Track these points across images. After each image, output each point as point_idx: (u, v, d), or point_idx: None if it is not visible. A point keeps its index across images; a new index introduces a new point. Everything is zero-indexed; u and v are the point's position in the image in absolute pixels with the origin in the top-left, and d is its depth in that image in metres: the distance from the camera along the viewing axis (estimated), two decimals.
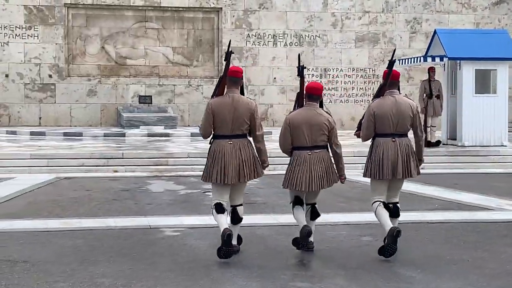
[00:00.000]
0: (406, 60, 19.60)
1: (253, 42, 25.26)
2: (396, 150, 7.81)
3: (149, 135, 21.14)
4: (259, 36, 25.29)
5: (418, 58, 18.65)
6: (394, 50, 9.26)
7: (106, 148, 17.27)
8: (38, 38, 24.22)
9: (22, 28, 24.12)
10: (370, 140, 8.01)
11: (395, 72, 7.90)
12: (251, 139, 7.87)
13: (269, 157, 14.76)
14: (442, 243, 8.46)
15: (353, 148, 16.56)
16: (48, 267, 7.12)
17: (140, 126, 22.58)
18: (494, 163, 16.75)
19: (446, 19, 26.24)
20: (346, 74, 25.85)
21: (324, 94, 24.80)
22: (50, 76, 24.29)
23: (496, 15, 26.62)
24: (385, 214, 7.81)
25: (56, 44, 24.32)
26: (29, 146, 17.77)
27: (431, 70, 17.83)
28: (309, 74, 25.09)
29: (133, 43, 25.04)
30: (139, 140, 19.92)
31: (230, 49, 7.95)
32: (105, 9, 24.81)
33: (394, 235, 7.53)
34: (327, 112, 7.92)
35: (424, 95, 17.80)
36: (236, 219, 7.77)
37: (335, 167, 7.90)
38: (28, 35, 24.15)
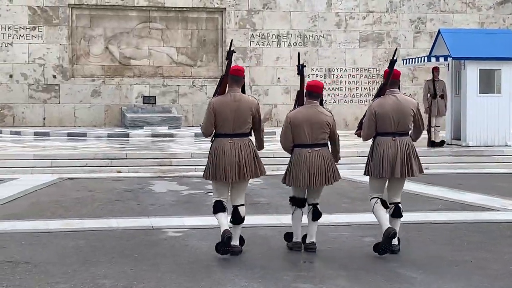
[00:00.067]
0: (410, 60, 19.56)
1: (257, 42, 25.24)
2: (396, 149, 7.83)
3: (153, 135, 21.14)
4: (263, 36, 25.26)
5: (422, 58, 18.61)
6: (396, 50, 9.30)
7: (109, 149, 17.26)
8: (42, 39, 24.23)
9: (26, 28, 24.13)
10: (371, 139, 8.02)
11: (396, 71, 7.91)
12: (252, 138, 7.87)
13: (273, 157, 14.93)
14: (445, 243, 8.43)
15: (356, 148, 16.53)
16: (49, 268, 7.12)
17: (144, 127, 22.57)
18: (498, 163, 16.70)
19: (450, 19, 26.18)
20: (350, 74, 25.81)
21: (328, 94, 25.15)
22: (54, 76, 24.30)
23: (500, 14, 26.54)
24: (382, 212, 7.87)
25: (60, 44, 24.34)
26: (33, 146, 17.78)
27: (435, 70, 17.79)
28: (313, 74, 25.06)
29: (137, 43, 25.03)
30: (143, 141, 19.91)
31: (232, 48, 7.95)
32: (109, 10, 24.81)
33: (389, 237, 7.61)
34: (329, 111, 7.92)
35: (428, 95, 17.77)
36: (237, 219, 7.76)
37: (335, 165, 7.93)
38: (32, 35, 24.16)
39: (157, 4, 24.83)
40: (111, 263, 7.34)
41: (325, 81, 25.38)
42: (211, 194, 8.16)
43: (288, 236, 8.13)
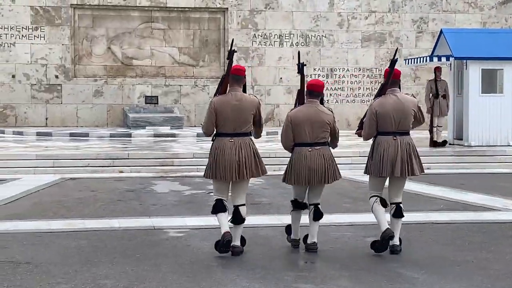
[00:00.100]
0: (412, 60, 19.55)
1: (259, 42, 25.24)
2: (396, 148, 7.85)
3: (155, 135, 21.15)
4: (265, 36, 25.26)
5: (424, 58, 18.60)
6: (397, 49, 9.32)
7: (112, 149, 17.28)
8: (44, 39, 24.25)
9: (28, 29, 24.16)
10: (372, 138, 8.04)
11: (397, 71, 7.95)
12: (253, 138, 7.90)
13: (275, 157, 14.93)
14: (447, 244, 8.42)
15: (358, 148, 16.52)
16: (51, 268, 7.12)
17: (146, 127, 22.58)
18: (500, 163, 16.68)
19: (452, 19, 26.16)
20: (352, 74, 25.80)
21: (330, 94, 25.13)
22: (56, 76, 24.32)
23: (503, 14, 26.52)
24: (381, 211, 7.94)
25: (62, 44, 24.36)
26: (35, 146, 17.80)
27: (437, 70, 17.78)
28: (315, 74, 25.05)
29: (139, 43, 25.05)
30: (145, 141, 19.93)
31: (233, 48, 7.97)
32: (111, 10, 24.83)
33: (386, 239, 7.72)
34: (329, 109, 7.93)
35: (430, 95, 17.76)
36: (238, 219, 7.76)
37: (336, 164, 7.97)
38: (34, 36, 24.19)
39: (159, 4, 24.84)
40: (113, 263, 7.34)
41: (327, 81, 25.38)
42: (213, 194, 8.17)
43: (289, 229, 8.20)
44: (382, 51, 25.74)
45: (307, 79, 8.08)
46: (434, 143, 17.56)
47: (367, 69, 25.73)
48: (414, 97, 8.16)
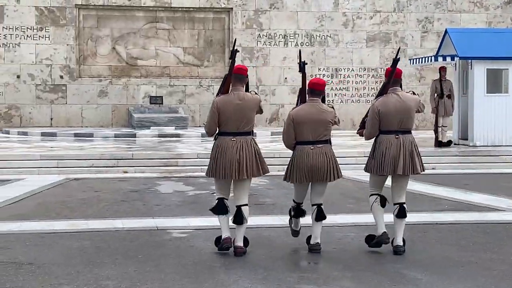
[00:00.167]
0: (417, 59, 19.51)
1: (264, 42, 25.22)
2: (398, 147, 7.87)
3: (160, 135, 21.16)
4: (270, 36, 25.24)
5: (429, 58, 18.56)
6: (399, 49, 9.31)
7: (116, 149, 17.28)
8: (49, 39, 24.29)
9: (33, 29, 24.19)
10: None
11: (398, 70, 7.94)
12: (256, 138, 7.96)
13: (279, 157, 14.90)
14: (450, 244, 8.39)
15: (363, 148, 16.47)
16: (53, 269, 7.11)
17: (151, 127, 22.59)
18: (506, 163, 16.62)
19: (458, 18, 26.09)
20: (357, 74, 25.76)
21: (335, 94, 25.09)
22: (61, 77, 24.35)
23: (508, 14, 26.44)
24: (380, 213, 8.01)
25: (67, 45, 24.38)
26: (40, 147, 17.81)
27: (442, 70, 17.74)
28: (320, 74, 25.02)
29: (144, 43, 25.06)
30: (149, 141, 19.93)
31: (235, 48, 7.98)
32: (116, 10, 24.84)
33: (382, 242, 7.89)
34: (331, 107, 7.92)
35: (435, 94, 17.72)
36: (240, 219, 7.73)
37: (337, 163, 7.98)
38: (39, 36, 24.22)
39: (164, 4, 24.84)
40: (115, 264, 7.33)
41: (332, 81, 25.36)
42: (215, 193, 8.17)
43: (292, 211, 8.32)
44: (387, 51, 25.69)
45: (309, 78, 8.10)
46: (439, 143, 17.52)
47: (372, 69, 25.69)
48: (414, 93, 8.12)
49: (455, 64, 18.08)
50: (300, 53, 8.85)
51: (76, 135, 21.13)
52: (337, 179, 7.96)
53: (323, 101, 7.96)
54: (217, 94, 7.87)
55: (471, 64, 17.60)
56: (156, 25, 25.11)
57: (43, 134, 21.47)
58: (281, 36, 25.28)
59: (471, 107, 17.61)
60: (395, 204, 7.98)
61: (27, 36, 24.14)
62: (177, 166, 15.63)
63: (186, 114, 24.18)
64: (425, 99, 22.05)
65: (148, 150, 17.02)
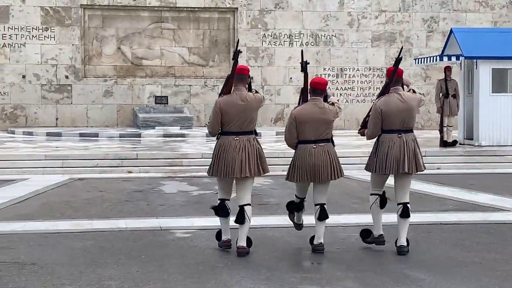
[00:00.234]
0: (423, 59, 19.47)
1: (269, 42, 25.21)
2: (401, 145, 7.89)
3: (165, 135, 21.16)
4: (275, 36, 25.23)
5: (434, 57, 18.52)
6: (401, 48, 9.29)
7: (120, 149, 17.29)
8: (54, 39, 24.32)
9: (38, 29, 24.22)
10: None
11: (399, 69, 7.92)
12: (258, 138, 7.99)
13: (284, 157, 14.88)
14: (455, 244, 8.36)
15: (368, 148, 16.37)
16: (56, 269, 7.11)
17: (156, 127, 22.59)
18: (511, 163, 16.56)
19: (463, 18, 26.04)
20: (362, 74, 25.73)
21: (340, 94, 25.06)
22: (66, 77, 24.38)
23: None
24: (379, 214, 8.09)
25: (72, 45, 24.42)
26: (45, 147, 17.83)
27: (448, 69, 17.69)
28: (325, 74, 25.00)
29: (149, 43, 25.07)
30: (154, 141, 19.94)
31: (238, 49, 8.00)
32: (121, 10, 24.86)
33: (377, 243, 8.01)
34: (332, 104, 7.91)
35: (441, 94, 17.67)
36: (242, 219, 7.72)
37: (339, 162, 7.98)
38: (44, 36, 24.25)
39: (169, 4, 24.85)
40: (118, 264, 7.33)
41: (337, 81, 25.34)
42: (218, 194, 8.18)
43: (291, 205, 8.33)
44: (392, 51, 25.62)
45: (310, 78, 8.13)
46: (444, 143, 17.46)
47: (377, 68, 25.65)
48: (414, 92, 8.11)
49: (460, 63, 18.03)
50: (302, 53, 8.83)
51: (81, 135, 21.15)
52: (339, 178, 7.95)
53: (325, 100, 7.95)
54: (220, 95, 7.89)
55: (476, 64, 17.55)
56: (161, 25, 25.12)
57: (48, 134, 21.49)
58: (286, 36, 25.27)
59: (476, 107, 17.56)
60: (398, 204, 7.96)
61: (33, 36, 24.17)
62: (181, 166, 15.62)
63: (191, 114, 24.19)
64: (431, 99, 22.03)
65: (152, 150, 17.02)
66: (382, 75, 25.63)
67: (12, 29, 24.04)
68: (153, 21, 25.07)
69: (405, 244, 7.88)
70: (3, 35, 24.03)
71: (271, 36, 25.22)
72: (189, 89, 24.98)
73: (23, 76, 24.12)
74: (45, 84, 24.25)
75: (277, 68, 25.23)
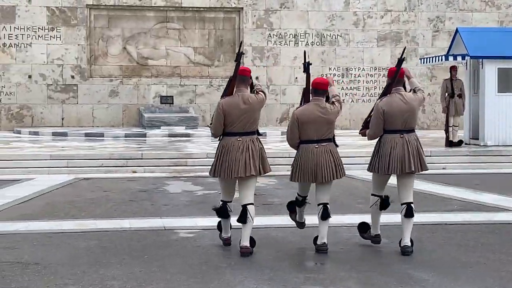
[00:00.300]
0: (428, 59, 19.43)
1: (275, 41, 25.19)
2: (404, 145, 7.89)
3: (170, 135, 21.17)
4: (280, 36, 25.21)
5: (440, 57, 18.48)
6: (404, 49, 9.28)
7: (125, 149, 17.30)
8: (60, 39, 24.35)
9: (44, 29, 24.26)
10: None
11: (401, 69, 7.91)
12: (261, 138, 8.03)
13: (289, 157, 14.84)
14: (459, 245, 8.34)
15: (372, 148, 16.38)
16: (59, 269, 7.11)
17: (161, 127, 22.60)
18: None
19: (469, 17, 25.97)
20: (368, 73, 25.69)
21: (346, 94, 25.02)
22: (72, 77, 24.41)
23: None
24: (377, 215, 8.16)
25: (78, 45, 24.44)
26: (50, 146, 17.85)
27: (453, 69, 17.65)
28: (331, 74, 24.97)
29: (155, 43, 25.08)
30: (159, 141, 19.94)
31: (241, 50, 8.03)
32: (126, 10, 24.88)
33: (374, 242, 8.14)
34: (333, 103, 7.89)
35: (446, 94, 17.63)
36: (244, 218, 7.70)
37: (342, 161, 8.00)
38: (50, 36, 24.29)
39: (175, 4, 24.86)
40: (121, 264, 7.32)
41: (343, 81, 25.30)
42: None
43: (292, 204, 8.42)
44: (398, 50, 25.54)
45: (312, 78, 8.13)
46: (450, 143, 17.41)
47: (382, 68, 25.58)
48: (415, 91, 8.09)
49: (466, 63, 17.99)
50: (305, 54, 8.84)
51: (87, 135, 21.17)
52: (341, 178, 7.94)
53: (327, 100, 7.95)
54: (222, 96, 7.92)
55: (482, 63, 17.50)
56: (166, 25, 25.13)
57: (54, 134, 21.53)
58: (291, 35, 25.25)
59: (482, 107, 17.51)
60: (402, 204, 7.94)
61: (39, 36, 24.21)
62: (186, 166, 15.63)
63: (196, 113, 24.19)
64: (436, 99, 21.98)
65: (157, 150, 17.02)
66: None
67: (18, 29, 24.09)
68: (159, 21, 25.08)
69: (409, 244, 7.86)
70: (9, 35, 24.08)
71: (276, 36, 25.20)
72: (195, 89, 24.99)
73: (29, 76, 24.16)
74: (51, 84, 24.28)
75: (282, 68, 25.21)
